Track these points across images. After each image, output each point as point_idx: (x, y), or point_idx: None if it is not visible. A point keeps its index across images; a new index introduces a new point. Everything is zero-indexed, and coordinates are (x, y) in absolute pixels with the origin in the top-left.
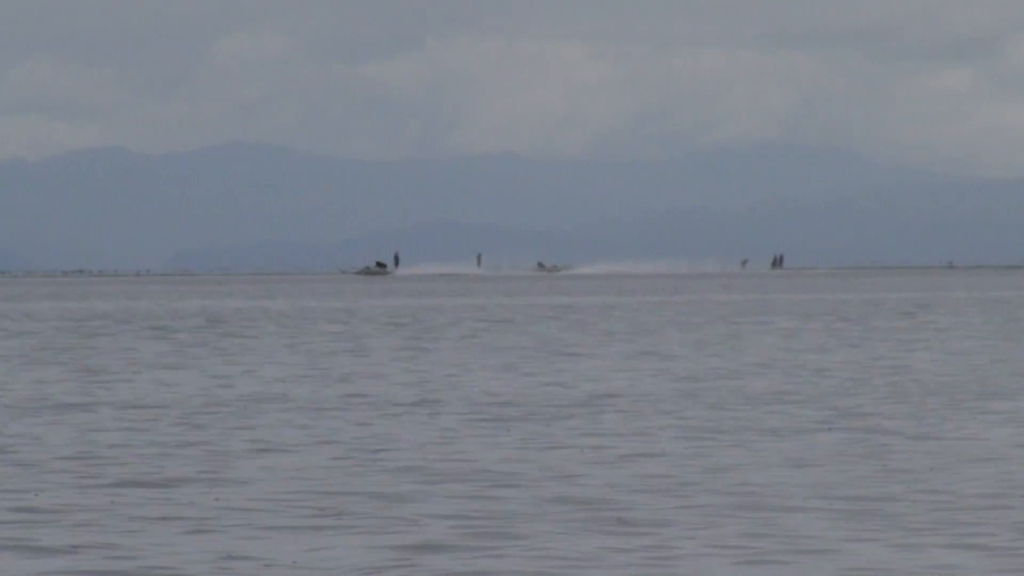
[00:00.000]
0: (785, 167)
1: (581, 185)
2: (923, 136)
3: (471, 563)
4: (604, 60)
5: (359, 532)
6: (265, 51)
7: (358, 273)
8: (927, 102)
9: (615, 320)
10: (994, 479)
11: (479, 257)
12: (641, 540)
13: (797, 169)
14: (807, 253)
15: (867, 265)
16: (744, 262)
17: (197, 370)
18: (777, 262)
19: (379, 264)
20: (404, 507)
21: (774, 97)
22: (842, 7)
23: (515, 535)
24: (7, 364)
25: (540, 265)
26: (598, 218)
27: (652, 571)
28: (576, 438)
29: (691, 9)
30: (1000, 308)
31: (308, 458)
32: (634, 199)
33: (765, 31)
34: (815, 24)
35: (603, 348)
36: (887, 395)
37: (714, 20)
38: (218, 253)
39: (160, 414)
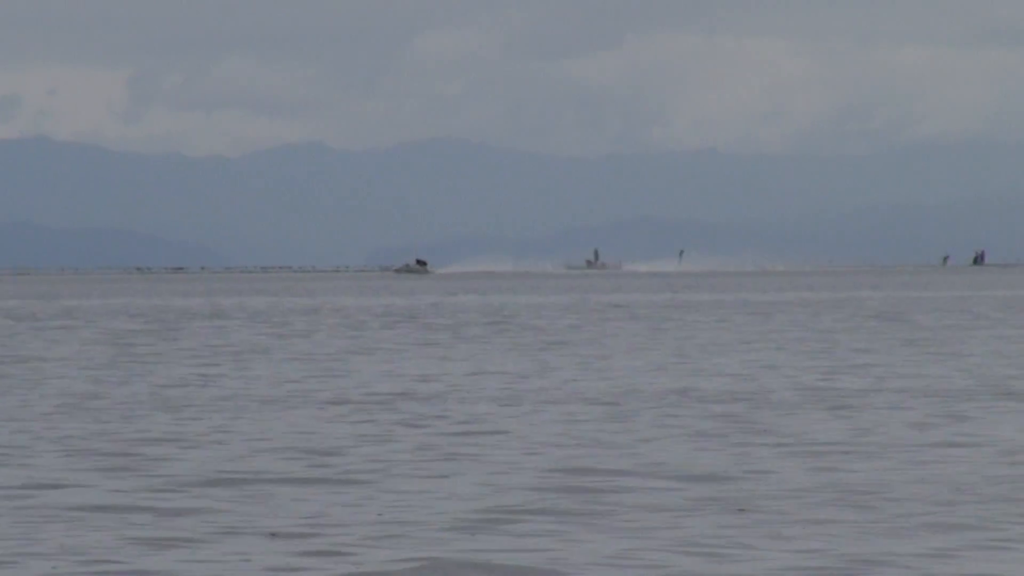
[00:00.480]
0: (987, 163)
1: (782, 180)
2: None
3: None
4: (804, 55)
5: None
6: (464, 48)
7: (397, 271)
8: None
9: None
10: None
11: (681, 253)
12: None
13: (1000, 165)
14: (1009, 249)
15: None
16: (945, 258)
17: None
18: (979, 258)
19: (419, 262)
20: None
21: (977, 92)
22: None
23: None
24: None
25: (588, 263)
26: (799, 213)
27: None
28: None
29: (892, 3)
30: None
31: None
32: (835, 194)
33: (967, 26)
34: (1018, 18)
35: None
36: None
37: (915, 14)
38: (416, 249)
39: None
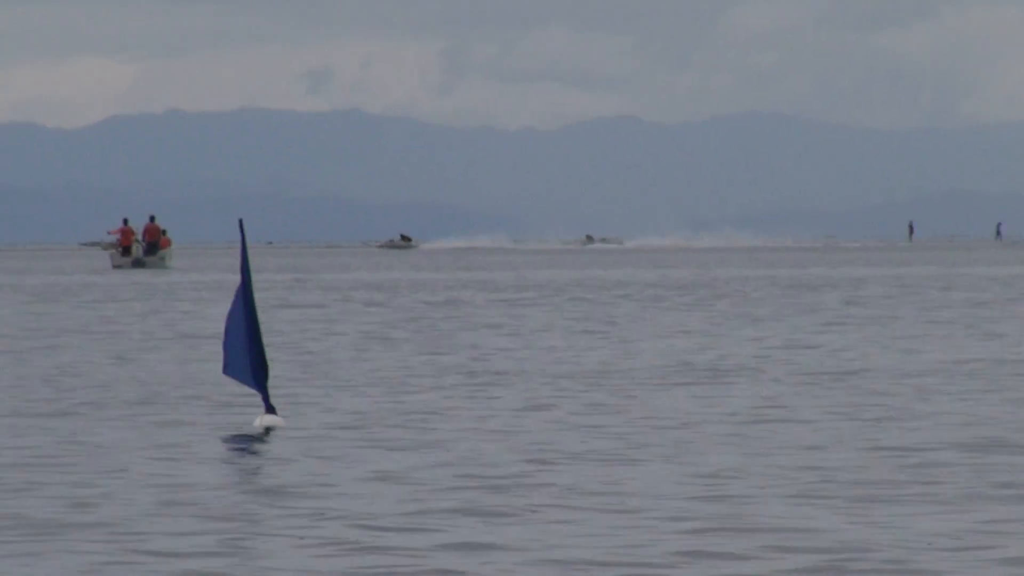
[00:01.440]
0: None
1: None
2: None
3: None
4: None
5: None
6: (778, 20)
7: (381, 246)
8: None
9: None
10: None
11: (998, 227)
12: None
13: None
14: None
15: None
16: None
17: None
18: None
19: (403, 237)
20: None
21: None
22: None
23: None
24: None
25: (588, 238)
26: None
27: None
28: None
29: None
30: None
31: None
32: None
33: None
34: None
35: None
36: None
37: None
38: (730, 222)
39: None
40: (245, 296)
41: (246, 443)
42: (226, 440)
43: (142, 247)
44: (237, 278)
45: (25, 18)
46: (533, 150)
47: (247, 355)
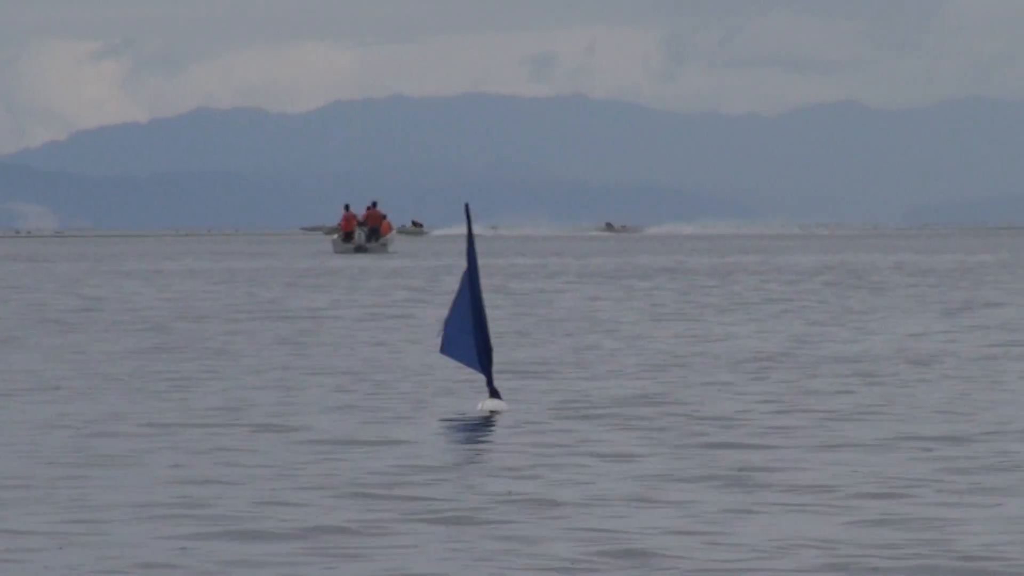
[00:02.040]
0: None
1: None
2: None
3: None
4: None
5: None
6: (1005, 6)
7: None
8: None
9: None
10: None
11: None
12: None
13: None
14: None
15: None
16: None
17: None
18: None
19: (415, 223)
20: None
21: None
22: None
23: None
24: None
25: (608, 225)
26: None
27: None
28: None
29: None
30: None
31: None
32: None
33: None
34: None
35: None
36: None
37: None
38: (955, 208)
39: None
40: (471, 280)
41: (468, 426)
42: (448, 423)
43: (364, 233)
44: (458, 262)
45: (250, 4)
46: (756, 135)
47: (471, 338)
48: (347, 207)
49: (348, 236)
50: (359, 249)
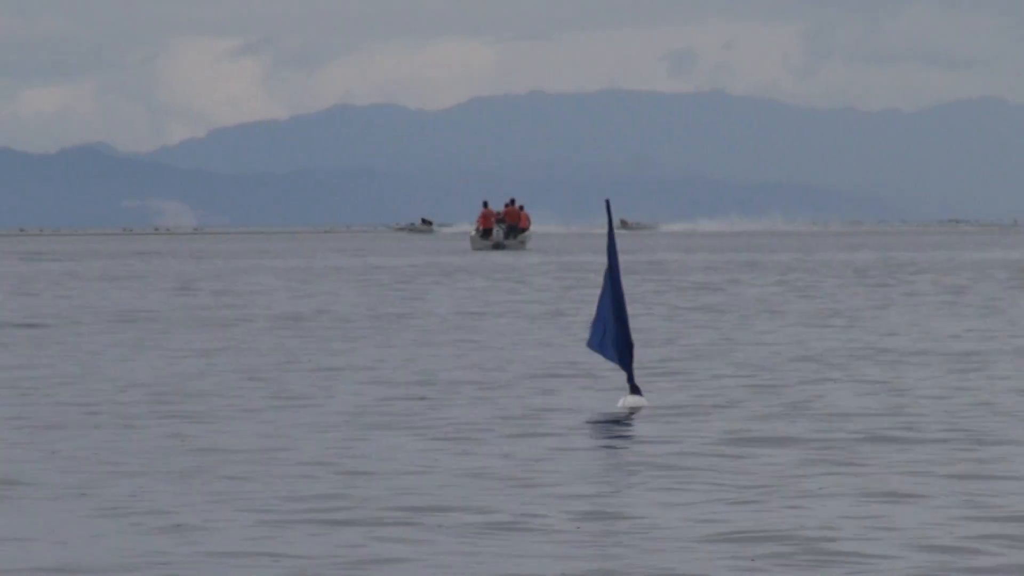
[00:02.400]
0: None
1: None
2: None
3: None
4: None
5: None
6: None
7: (400, 230)
8: None
9: None
10: None
11: None
12: None
13: None
14: None
15: None
16: None
17: None
18: None
19: (424, 221)
20: None
21: None
22: None
23: None
24: None
25: (623, 223)
26: None
27: None
28: None
29: None
30: None
31: None
32: None
33: None
34: None
35: None
36: None
37: None
38: None
39: None
40: (612, 276)
41: (608, 423)
42: (589, 420)
43: (502, 229)
44: (596, 259)
45: (389, 0)
46: (895, 132)
47: (613, 334)
48: (485, 204)
49: (487, 232)
50: (497, 246)
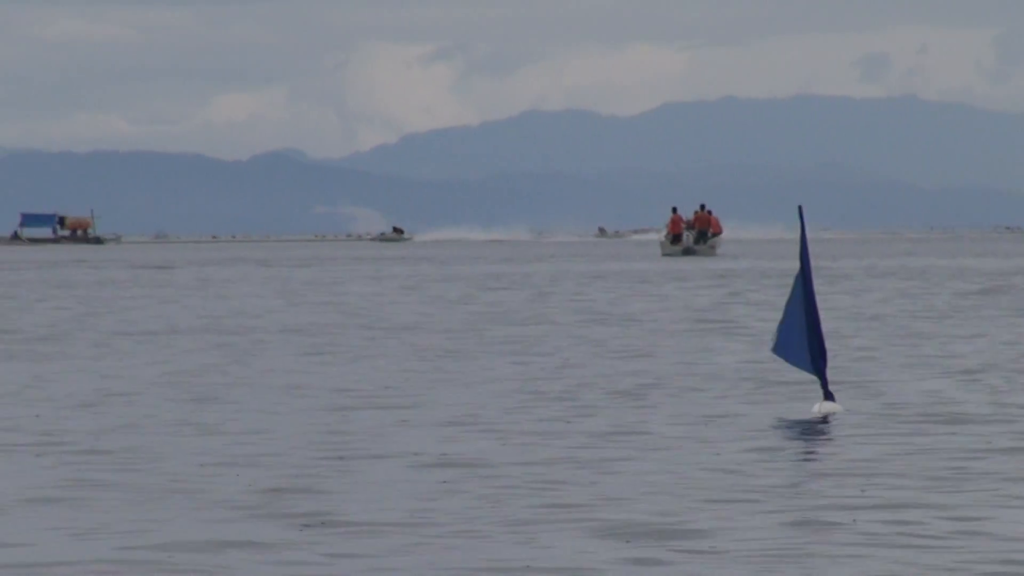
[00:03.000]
0: None
1: None
2: None
3: None
4: None
5: None
6: None
7: (373, 239)
8: None
9: None
10: None
11: None
12: None
13: None
14: None
15: None
16: None
17: None
18: None
19: (396, 230)
20: None
21: None
22: None
23: None
24: None
25: (601, 230)
26: None
27: None
28: None
29: None
30: None
31: None
32: None
33: None
34: None
35: None
36: None
37: None
38: None
39: None
40: (805, 282)
41: (802, 429)
42: (782, 426)
43: (692, 235)
44: (787, 265)
45: (580, 5)
46: None
47: (805, 341)
48: (674, 209)
49: (676, 238)
50: (687, 252)
